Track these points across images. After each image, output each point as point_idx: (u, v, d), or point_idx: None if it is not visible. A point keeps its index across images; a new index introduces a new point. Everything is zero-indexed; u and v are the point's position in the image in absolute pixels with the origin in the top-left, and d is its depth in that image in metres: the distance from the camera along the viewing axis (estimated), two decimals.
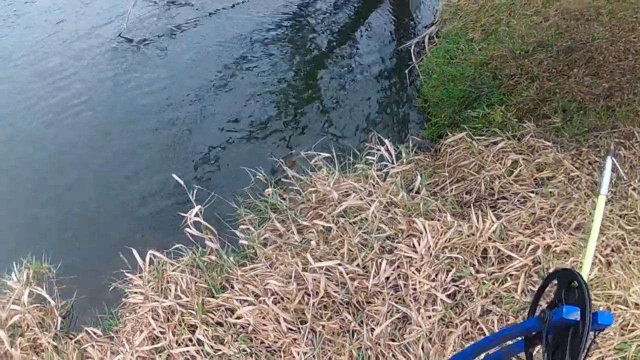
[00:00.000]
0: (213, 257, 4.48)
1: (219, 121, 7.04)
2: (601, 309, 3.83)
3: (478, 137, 5.38)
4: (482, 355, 1.89)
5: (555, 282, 1.60)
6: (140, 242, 4.85)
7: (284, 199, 5.01)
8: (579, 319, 1.38)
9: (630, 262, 4.14)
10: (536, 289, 1.72)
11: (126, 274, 4.56)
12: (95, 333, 4.51)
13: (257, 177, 5.19)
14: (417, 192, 4.92)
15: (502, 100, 5.96)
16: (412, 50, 7.76)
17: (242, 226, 4.86)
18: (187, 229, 4.49)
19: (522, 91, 5.99)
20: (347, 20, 9.05)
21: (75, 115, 7.31)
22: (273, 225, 4.72)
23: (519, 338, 1.68)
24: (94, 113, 7.36)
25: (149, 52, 8.52)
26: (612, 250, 4.25)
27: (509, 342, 1.77)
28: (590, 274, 3.99)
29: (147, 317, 4.19)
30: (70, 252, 5.44)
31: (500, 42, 6.76)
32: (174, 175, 4.59)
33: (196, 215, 4.49)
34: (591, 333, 1.41)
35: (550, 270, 3.77)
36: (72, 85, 7.89)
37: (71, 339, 4.55)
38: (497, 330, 3.78)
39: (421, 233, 4.37)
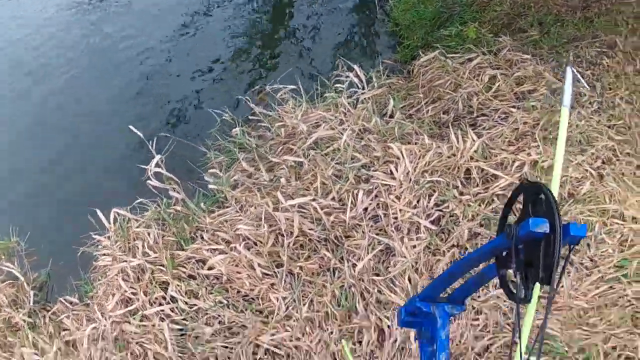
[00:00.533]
0: (179, 208, 4.16)
1: (189, 68, 6.74)
2: (597, 225, 3.60)
3: (452, 55, 5.05)
4: (457, 284, 1.73)
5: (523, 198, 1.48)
6: (105, 202, 4.49)
7: (252, 137, 4.70)
8: (548, 231, 1.27)
9: (623, 174, 3.88)
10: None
11: (94, 236, 4.27)
12: (71, 302, 4.25)
13: (224, 118, 4.86)
14: (391, 117, 4.60)
15: (475, 18, 5.64)
16: None
17: (211, 170, 4.55)
18: (149, 182, 4.13)
19: (496, 7, 5.68)
20: None
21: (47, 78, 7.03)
22: (242, 166, 4.42)
23: (492, 261, 1.51)
24: (68, 74, 7.04)
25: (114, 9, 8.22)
26: (603, 162, 3.98)
27: (482, 266, 1.61)
28: (581, 188, 3.76)
29: (117, 279, 3.93)
30: (36, 221, 5.19)
31: None
32: (131, 127, 4.16)
33: (157, 165, 4.12)
34: (565, 247, 1.31)
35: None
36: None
37: (47, 311, 4.30)
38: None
39: (398, 158, 4.08)
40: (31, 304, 4.29)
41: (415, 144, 4.19)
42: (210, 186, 4.36)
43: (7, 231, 4.87)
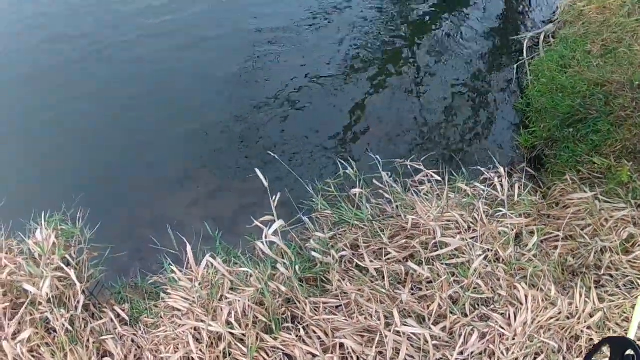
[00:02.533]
0: (283, 289, 3.47)
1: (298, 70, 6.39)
2: None
3: (606, 200, 4.46)
4: None
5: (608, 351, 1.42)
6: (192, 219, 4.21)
7: (370, 203, 4.12)
8: None
9: None
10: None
11: (172, 267, 3.78)
12: (118, 316, 3.76)
13: (347, 171, 4.24)
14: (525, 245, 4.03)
15: (609, 131, 5.07)
16: (524, 45, 6.91)
17: (317, 233, 3.91)
18: (259, 244, 3.54)
19: (633, 128, 5.06)
20: None
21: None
22: (350, 237, 3.83)
23: None
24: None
25: None
26: None
27: None
28: None
29: (187, 334, 3.34)
30: (110, 215, 4.78)
31: (619, 65, 5.83)
32: (257, 171, 3.50)
33: (275, 233, 3.50)
34: None
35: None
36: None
37: (93, 319, 3.81)
38: None
39: (521, 304, 3.61)
40: (78, 311, 3.67)
41: (541, 290, 3.69)
42: (313, 253, 3.73)
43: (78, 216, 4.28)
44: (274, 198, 3.51)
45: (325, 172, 4.73)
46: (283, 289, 3.46)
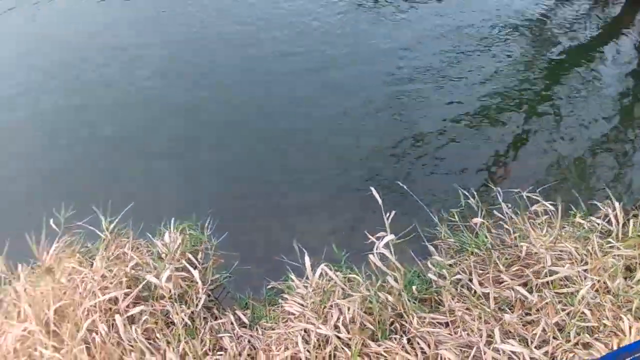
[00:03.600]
0: (391, 299, 3.67)
1: (440, 109, 6.53)
2: None
3: None
4: None
5: None
6: (315, 236, 4.50)
7: (490, 233, 4.21)
8: None
9: None
10: None
11: (291, 274, 4.11)
12: (240, 320, 4.07)
13: (469, 201, 4.43)
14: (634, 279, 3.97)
15: None
16: None
17: (436, 257, 4.13)
18: (371, 256, 3.72)
19: None
20: (592, 34, 8.13)
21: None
22: (468, 264, 3.96)
23: None
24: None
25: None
26: None
27: None
28: None
29: (297, 336, 3.60)
30: (238, 222, 5.18)
31: None
32: (373, 189, 3.75)
33: (386, 246, 3.71)
34: None
35: None
36: None
37: (214, 318, 4.14)
38: None
39: (625, 335, 3.60)
40: (198, 307, 3.99)
41: None
42: (429, 274, 3.91)
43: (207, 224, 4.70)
44: (387, 215, 3.71)
45: (449, 202, 4.80)
46: (390, 299, 3.65)
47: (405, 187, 4.73)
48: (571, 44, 7.90)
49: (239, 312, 4.12)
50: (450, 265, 4.03)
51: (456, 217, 4.40)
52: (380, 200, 3.70)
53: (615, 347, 3.52)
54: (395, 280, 3.71)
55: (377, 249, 3.70)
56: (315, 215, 5.28)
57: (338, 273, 3.90)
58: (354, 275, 3.89)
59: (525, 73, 7.19)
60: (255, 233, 5.21)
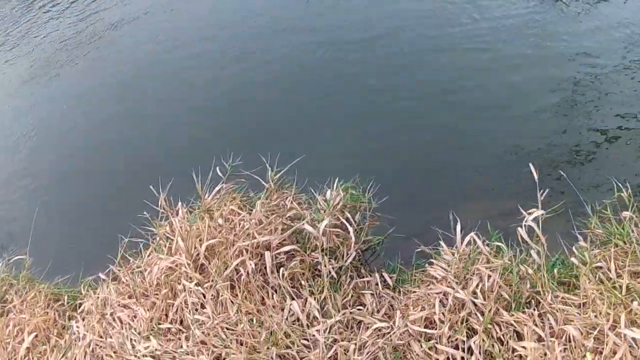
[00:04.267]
0: (530, 271, 3.90)
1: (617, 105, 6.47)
2: None
3: None
4: None
5: None
6: (473, 213, 4.73)
7: (637, 227, 4.22)
8: None
9: None
10: None
11: (441, 241, 4.39)
12: (385, 281, 4.39)
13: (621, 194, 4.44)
14: None
15: None
16: None
17: (581, 243, 4.29)
18: (519, 228, 3.94)
19: None
20: None
21: None
22: (614, 254, 4.03)
23: None
24: None
25: None
26: None
27: None
28: None
29: (435, 298, 3.88)
30: (400, 191, 5.47)
31: None
32: (531, 166, 3.96)
33: (535, 220, 3.89)
34: None
35: None
36: None
37: (359, 276, 4.48)
38: None
39: None
40: (347, 262, 4.36)
41: None
42: (572, 258, 4.09)
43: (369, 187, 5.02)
44: (541, 192, 3.92)
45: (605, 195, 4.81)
46: (530, 271, 3.88)
47: (565, 175, 4.97)
48: None
49: (385, 274, 4.44)
50: (593, 253, 4.15)
51: (608, 209, 4.46)
52: (536, 176, 3.92)
53: None
54: (538, 254, 3.91)
55: (525, 222, 3.92)
56: (477, 195, 5.60)
57: (485, 242, 4.16)
58: (500, 244, 4.12)
59: None
60: (415, 202, 5.62)
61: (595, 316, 3.64)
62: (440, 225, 4.43)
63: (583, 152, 5.97)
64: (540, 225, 3.91)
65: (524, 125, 6.38)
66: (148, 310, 4.52)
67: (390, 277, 4.44)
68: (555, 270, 4.04)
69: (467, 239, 4.13)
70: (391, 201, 5.03)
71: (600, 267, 3.99)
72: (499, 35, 7.92)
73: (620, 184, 4.48)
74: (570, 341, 3.56)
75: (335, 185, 4.82)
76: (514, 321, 3.71)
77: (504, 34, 7.93)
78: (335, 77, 7.79)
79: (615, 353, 3.43)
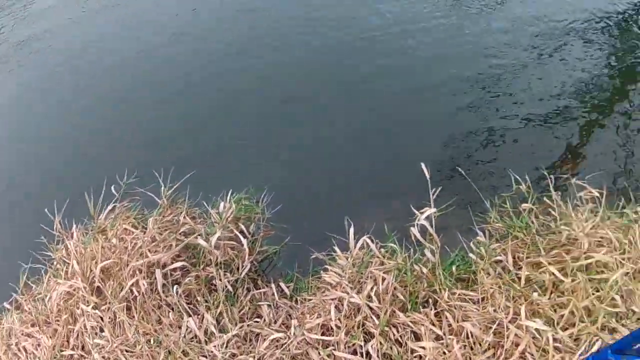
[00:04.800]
0: (425, 271, 3.81)
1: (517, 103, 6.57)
2: None
3: None
4: None
5: None
6: (370, 217, 4.67)
7: (537, 219, 4.27)
8: None
9: None
10: None
11: (335, 250, 4.29)
12: (282, 291, 4.31)
13: (520, 187, 4.49)
14: None
15: None
16: None
17: (478, 238, 4.28)
18: (412, 228, 3.85)
19: None
20: None
21: None
22: (514, 247, 4.07)
23: None
24: None
25: None
26: None
27: None
28: None
29: (331, 304, 3.77)
30: (290, 197, 5.34)
31: None
32: (422, 165, 3.83)
33: (427, 218, 3.83)
34: None
35: None
36: None
37: (256, 287, 4.42)
38: None
39: None
40: (242, 275, 4.25)
41: None
42: (470, 254, 4.06)
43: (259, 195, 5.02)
44: (433, 190, 3.83)
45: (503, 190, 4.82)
46: (425, 271, 3.79)
47: (462, 172, 5.03)
48: None
49: (281, 284, 4.36)
50: (492, 247, 4.13)
51: (507, 203, 4.48)
52: (428, 176, 3.81)
53: None
54: (432, 252, 3.86)
55: (418, 221, 3.84)
56: (374, 198, 5.51)
57: (379, 245, 4.08)
58: (394, 246, 4.07)
59: (604, 70, 7.07)
60: (309, 210, 5.47)
61: (495, 310, 3.61)
62: (337, 231, 4.32)
63: (482, 149, 5.99)
64: (434, 224, 3.86)
65: (422, 126, 6.37)
66: (50, 337, 4.35)
67: (288, 287, 4.36)
68: (454, 267, 3.98)
69: (359, 242, 4.05)
70: (288, 210, 5.01)
71: (500, 261, 3.98)
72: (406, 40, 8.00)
73: (519, 177, 4.51)
74: (469, 337, 3.53)
75: (228, 197, 4.76)
76: (411, 322, 3.64)
77: (411, 39, 8.00)
78: (227, 85, 7.76)
79: (517, 345, 3.43)
